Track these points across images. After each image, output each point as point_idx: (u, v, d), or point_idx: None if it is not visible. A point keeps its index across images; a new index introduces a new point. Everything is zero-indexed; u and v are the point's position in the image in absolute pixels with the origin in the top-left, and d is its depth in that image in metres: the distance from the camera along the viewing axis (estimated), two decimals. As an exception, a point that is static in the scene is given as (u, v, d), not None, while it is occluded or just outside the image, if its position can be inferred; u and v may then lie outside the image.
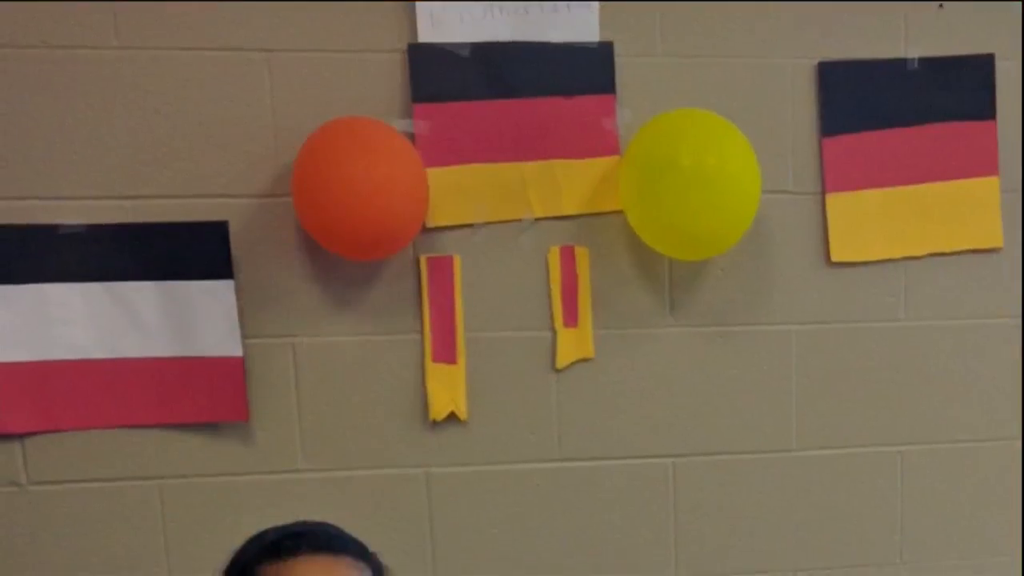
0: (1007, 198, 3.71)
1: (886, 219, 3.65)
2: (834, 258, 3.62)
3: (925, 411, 3.74)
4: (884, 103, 3.63)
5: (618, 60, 3.44)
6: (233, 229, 3.31)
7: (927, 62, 3.59)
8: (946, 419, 3.76)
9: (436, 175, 3.37)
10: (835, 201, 3.60)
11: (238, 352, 3.35)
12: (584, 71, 3.42)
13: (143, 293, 3.27)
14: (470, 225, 3.47)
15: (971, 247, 3.69)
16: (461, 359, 3.49)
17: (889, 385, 3.72)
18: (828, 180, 3.60)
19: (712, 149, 3.36)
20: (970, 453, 3.76)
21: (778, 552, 3.73)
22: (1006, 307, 3.74)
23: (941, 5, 3.61)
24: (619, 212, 3.50)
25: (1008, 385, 3.78)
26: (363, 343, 3.46)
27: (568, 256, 3.49)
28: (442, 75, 3.37)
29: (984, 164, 3.66)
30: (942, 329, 3.72)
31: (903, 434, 3.74)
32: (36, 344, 3.25)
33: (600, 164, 3.48)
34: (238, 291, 3.34)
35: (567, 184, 3.48)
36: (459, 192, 3.46)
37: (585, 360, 3.55)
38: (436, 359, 3.47)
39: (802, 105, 3.58)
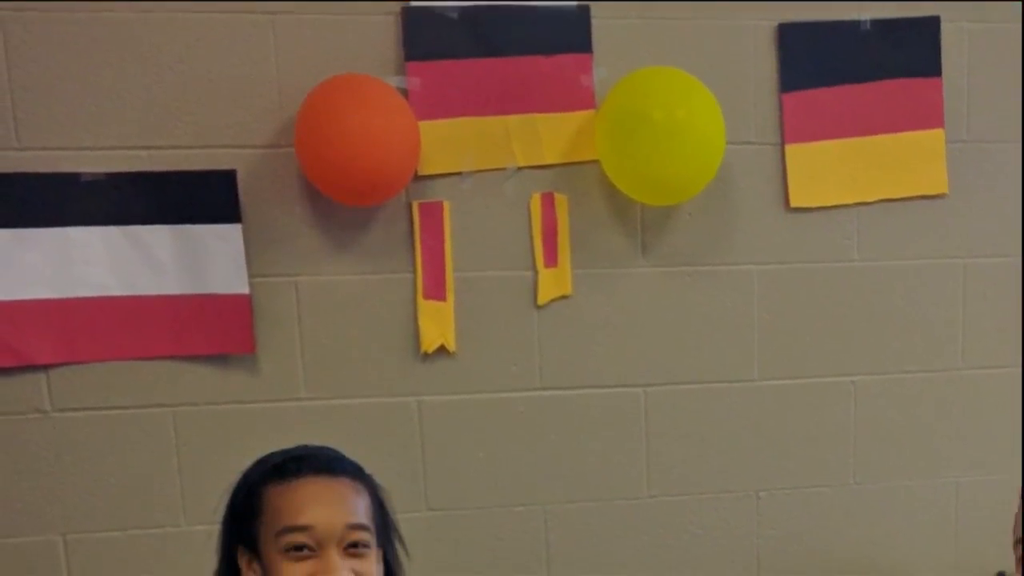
0: (952, 148, 3.91)
1: (841, 168, 3.87)
2: (793, 204, 3.84)
3: (876, 344, 3.97)
4: (839, 61, 3.85)
5: (594, 22, 3.64)
6: (240, 177, 3.52)
7: (879, 24, 3.81)
8: (896, 351, 3.99)
9: (427, 127, 3.57)
10: (794, 151, 3.83)
11: (245, 290, 3.57)
12: (563, 32, 3.62)
13: (158, 236, 3.48)
14: (458, 173, 3.67)
15: (919, 193, 3.92)
16: (450, 296, 3.70)
17: (843, 320, 3.94)
18: (787, 132, 3.82)
19: (681, 103, 3.58)
20: (917, 382, 4.00)
21: (741, 474, 3.95)
22: (951, 248, 3.96)
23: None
24: (595, 161, 3.70)
25: (952, 319, 4.00)
26: (360, 282, 3.65)
27: (548, 202, 3.70)
28: (433, 36, 3.57)
29: (930, 117, 3.89)
30: (892, 269, 3.94)
31: (856, 365, 3.97)
32: (59, 283, 3.46)
33: (578, 117, 3.69)
34: (245, 234, 3.54)
35: (547, 136, 3.69)
36: (448, 143, 3.65)
37: (564, 297, 3.77)
38: (427, 296, 3.68)
39: (763, 63, 3.79)
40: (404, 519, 2.66)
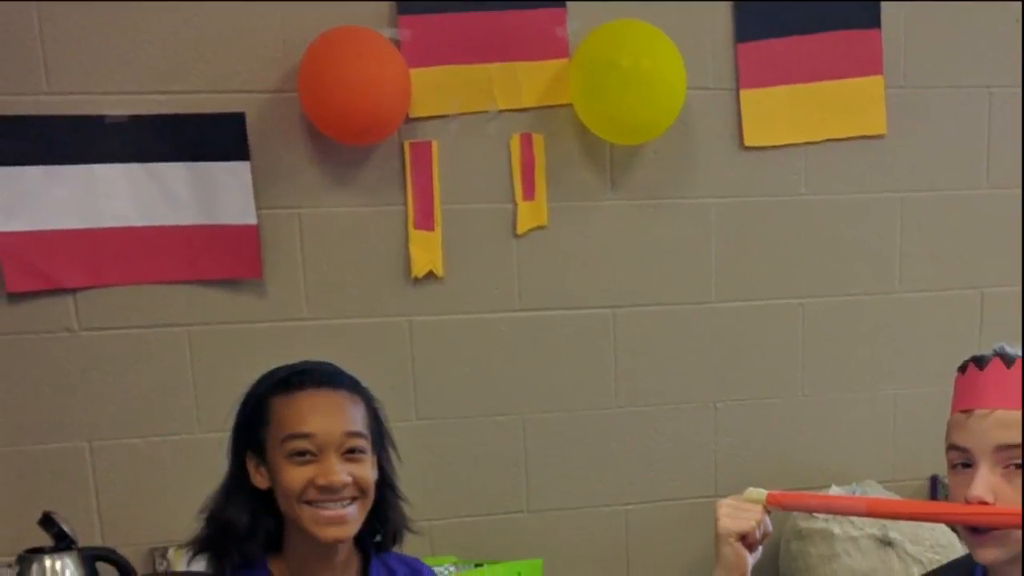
0: (890, 93, 4.16)
1: (790, 111, 4.13)
2: (747, 143, 4.11)
3: (822, 270, 4.24)
4: (789, 15, 4.06)
5: (568, -21, 3.95)
6: (249, 119, 3.77)
7: (825, -20, 4.13)
8: (839, 276, 4.26)
9: (417, 74, 3.82)
10: (747, 96, 4.09)
11: (253, 221, 3.82)
12: (540, -12, 3.93)
13: (174, 172, 3.74)
14: (445, 116, 3.91)
15: (860, 134, 4.19)
16: (438, 227, 3.94)
17: (792, 248, 4.20)
18: (742, 78, 4.07)
19: (646, 53, 3.81)
20: (859, 304, 4.28)
21: (700, 387, 4.22)
22: (889, 183, 4.24)
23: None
24: (568, 105, 3.94)
25: (890, 248, 4.27)
26: (357, 213, 3.91)
27: (527, 142, 3.96)
28: (423, -9, 3.86)
29: (871, 65, 4.14)
30: (836, 202, 4.21)
31: (804, 288, 4.24)
32: (86, 214, 3.72)
33: (553, 65, 3.93)
34: (253, 170, 3.80)
35: (526, 82, 3.93)
36: (436, 88, 3.88)
37: (540, 228, 4.03)
38: (417, 227, 3.93)
39: (720, 17, 4.04)
40: (396, 427, 2.80)
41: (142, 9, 3.68)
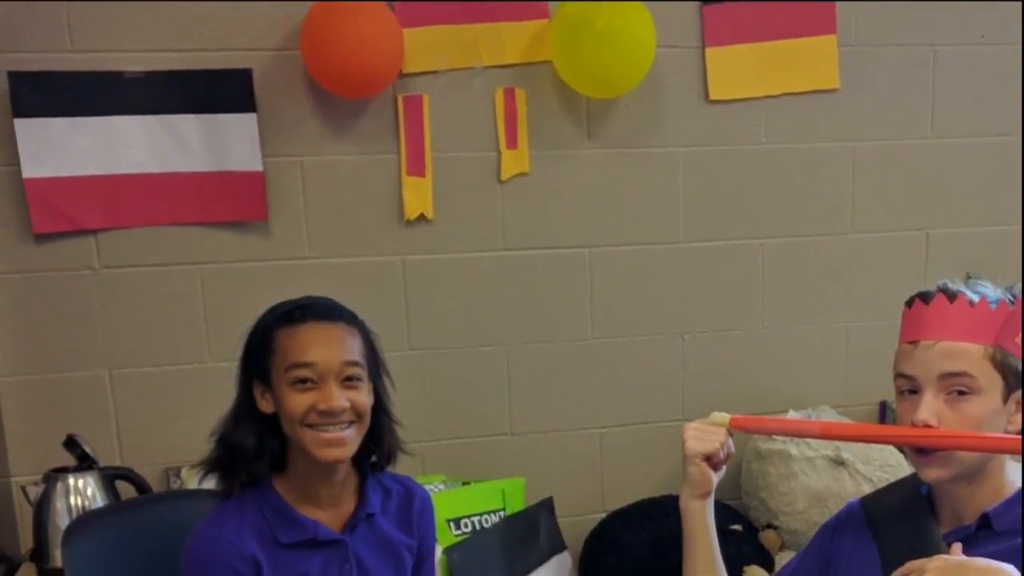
0: (843, 51, 4.33)
1: (751, 67, 4.30)
2: (712, 97, 4.29)
3: (780, 212, 4.41)
4: None
5: (548, -54, 3.83)
6: (255, 75, 3.91)
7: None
8: (795, 218, 4.42)
9: (409, 34, 3.95)
10: (712, 54, 4.25)
11: (259, 168, 3.96)
12: (522, -45, 3.82)
13: (187, 123, 3.90)
14: (435, 72, 4.06)
15: (815, 88, 4.37)
16: (428, 173, 4.10)
17: (753, 193, 4.37)
18: (707, 37, 4.23)
19: (619, 14, 3.95)
20: (814, 244, 4.46)
21: (669, 319, 4.41)
22: (841, 134, 4.41)
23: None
24: (548, 62, 4.08)
25: (842, 192, 4.47)
26: (354, 161, 4.05)
27: (510, 95, 4.13)
28: (416, -43, 3.75)
29: (825, 25, 4.31)
30: (793, 151, 4.39)
31: (764, 230, 4.42)
32: (106, 162, 3.87)
33: (534, 26, 4.09)
34: (259, 122, 3.93)
35: (509, 41, 4.08)
36: (427, 47, 4.01)
37: (523, 174, 4.19)
38: (409, 173, 4.10)
39: None
40: (390, 357, 2.89)
41: (158, -27, 3.61)
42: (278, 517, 2.69)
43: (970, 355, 2.33)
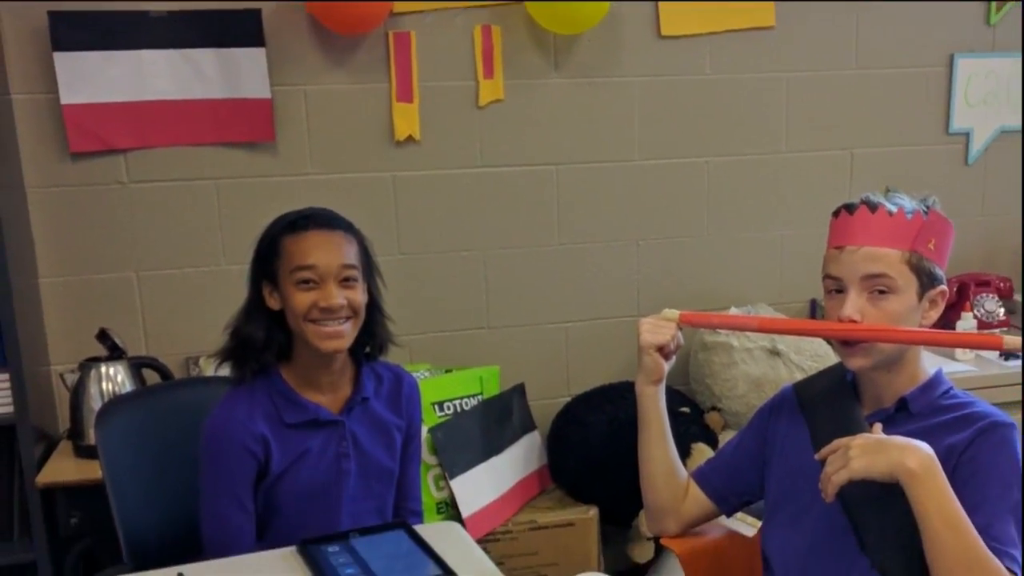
0: None
1: (698, 7, 4.29)
2: (663, 33, 4.28)
3: (723, 134, 4.41)
4: None
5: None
6: (264, 14, 3.90)
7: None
8: (737, 139, 4.44)
9: None
10: None
11: (267, 95, 3.96)
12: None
13: (205, 56, 3.90)
14: (422, 11, 4.03)
15: (753, 26, 4.37)
16: (416, 99, 4.09)
17: (699, 117, 4.37)
18: None
19: None
20: (752, 162, 4.47)
21: (626, 228, 4.42)
22: (776, 66, 4.42)
23: None
24: (521, 2, 4.08)
25: (778, 116, 4.49)
26: (350, 90, 4.03)
27: (487, 32, 4.11)
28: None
29: None
30: (734, 80, 4.40)
31: (708, 149, 4.43)
32: (134, 89, 3.87)
33: None
34: (267, 55, 3.92)
35: None
36: None
37: (498, 101, 4.18)
38: (399, 100, 4.09)
39: None
40: (382, 260, 2.88)
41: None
42: (284, 400, 2.70)
43: (889, 259, 2.33)
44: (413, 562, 2.40)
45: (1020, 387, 3.98)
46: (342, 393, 2.78)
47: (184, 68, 3.93)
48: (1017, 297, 4.66)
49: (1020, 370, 4.12)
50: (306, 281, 2.66)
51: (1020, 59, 4.64)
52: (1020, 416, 3.51)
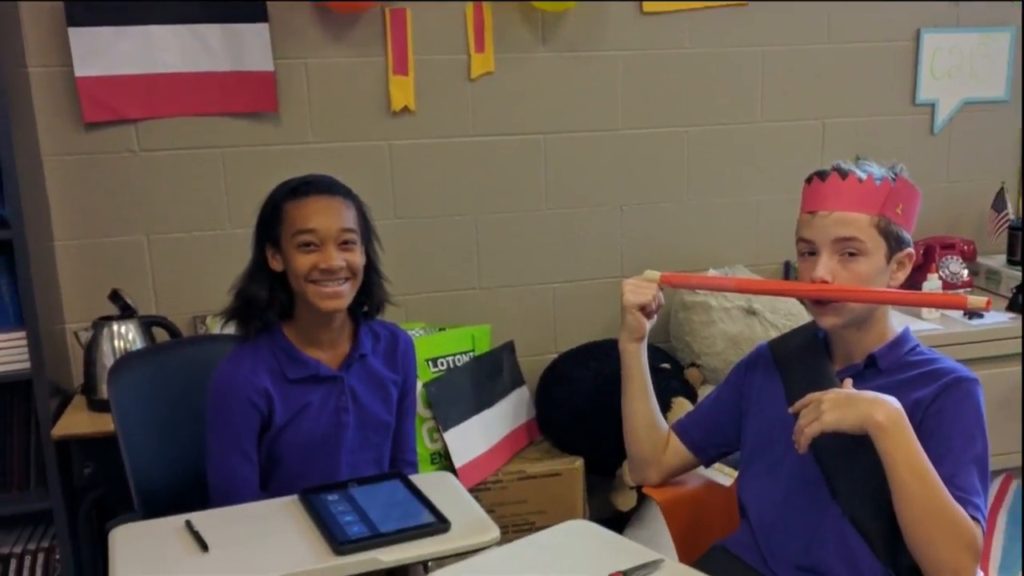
0: None
1: None
2: (645, 10, 4.26)
3: (702, 104, 4.40)
4: None
5: None
6: None
7: None
8: (714, 110, 4.42)
9: None
10: None
11: (271, 68, 3.94)
12: None
13: (212, 31, 3.88)
14: None
15: (730, 2, 4.34)
16: (411, 72, 4.07)
17: (679, 89, 4.36)
18: None
19: None
20: (730, 131, 4.47)
21: (610, 193, 4.41)
22: (751, 40, 4.41)
23: None
24: None
25: (753, 88, 4.46)
26: (349, 63, 4.01)
27: (478, 8, 4.10)
28: None
29: None
30: (712, 54, 4.38)
31: (688, 119, 4.42)
32: (144, 63, 3.86)
33: None
34: (271, 30, 3.90)
35: None
36: None
37: (489, 73, 4.16)
38: (395, 73, 4.07)
39: None
40: (380, 224, 2.89)
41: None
42: (286, 357, 2.71)
43: (859, 223, 2.35)
44: (408, 510, 2.42)
45: (998, 343, 4.14)
46: (341, 350, 2.79)
47: (192, 42, 3.91)
48: (980, 259, 4.68)
49: (985, 328, 4.18)
50: (307, 244, 2.67)
51: (983, 34, 4.66)
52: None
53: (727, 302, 4.16)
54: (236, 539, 2.33)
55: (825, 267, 2.37)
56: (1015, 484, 4.30)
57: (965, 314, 4.20)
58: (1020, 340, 4.09)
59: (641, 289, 2.64)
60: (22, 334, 3.60)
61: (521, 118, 4.25)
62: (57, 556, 3.75)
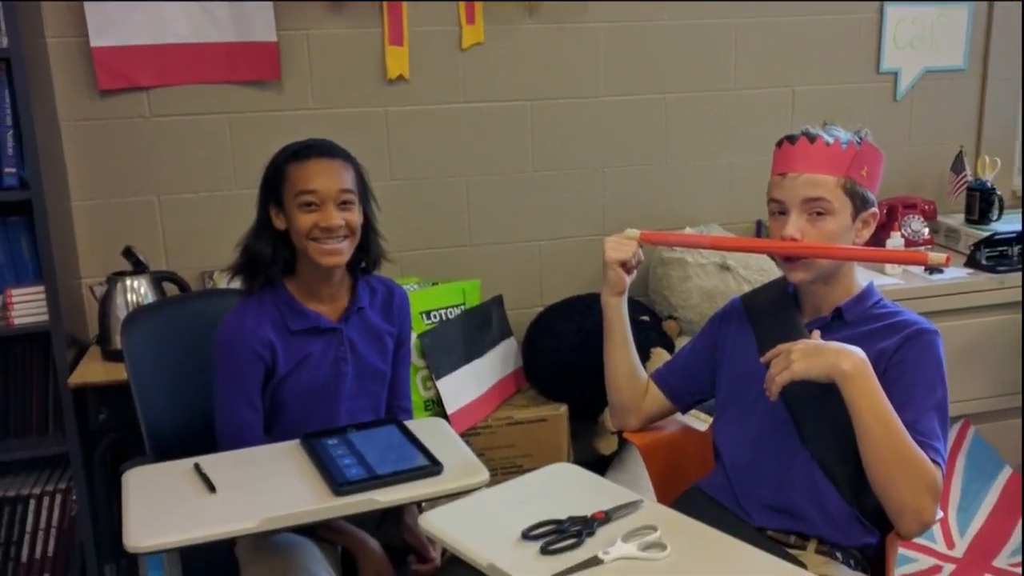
0: None
1: None
2: None
3: (679, 73, 4.39)
4: None
5: None
6: None
7: None
8: (692, 76, 4.41)
9: None
10: None
11: (274, 38, 3.94)
12: None
13: (219, 4, 3.86)
14: None
15: None
16: (406, 43, 4.06)
17: (658, 58, 4.34)
18: None
19: None
20: (706, 98, 4.45)
21: (593, 156, 4.40)
22: (726, 13, 4.39)
23: None
24: None
25: (727, 57, 4.45)
26: (348, 34, 4.00)
27: None
28: None
29: None
30: (689, 26, 4.36)
31: (666, 86, 4.40)
32: (156, 34, 3.85)
33: None
34: (274, 3, 3.90)
35: None
36: None
37: (479, 44, 4.15)
38: (391, 43, 4.06)
39: None
40: (376, 185, 2.87)
41: None
42: (289, 310, 2.71)
43: (826, 184, 2.37)
44: (403, 454, 2.43)
45: (957, 296, 4.20)
46: (340, 303, 2.78)
47: (200, 15, 3.90)
48: (940, 218, 4.70)
49: (945, 283, 4.21)
50: (308, 204, 2.66)
51: (942, 7, 4.65)
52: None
53: (702, 258, 4.15)
54: (242, 481, 2.34)
55: (795, 225, 2.38)
56: (972, 430, 4.33)
57: (926, 269, 4.22)
58: (984, 294, 4.21)
59: (622, 246, 2.64)
60: (41, 289, 3.60)
61: (509, 86, 4.24)
62: (74, 497, 3.75)
